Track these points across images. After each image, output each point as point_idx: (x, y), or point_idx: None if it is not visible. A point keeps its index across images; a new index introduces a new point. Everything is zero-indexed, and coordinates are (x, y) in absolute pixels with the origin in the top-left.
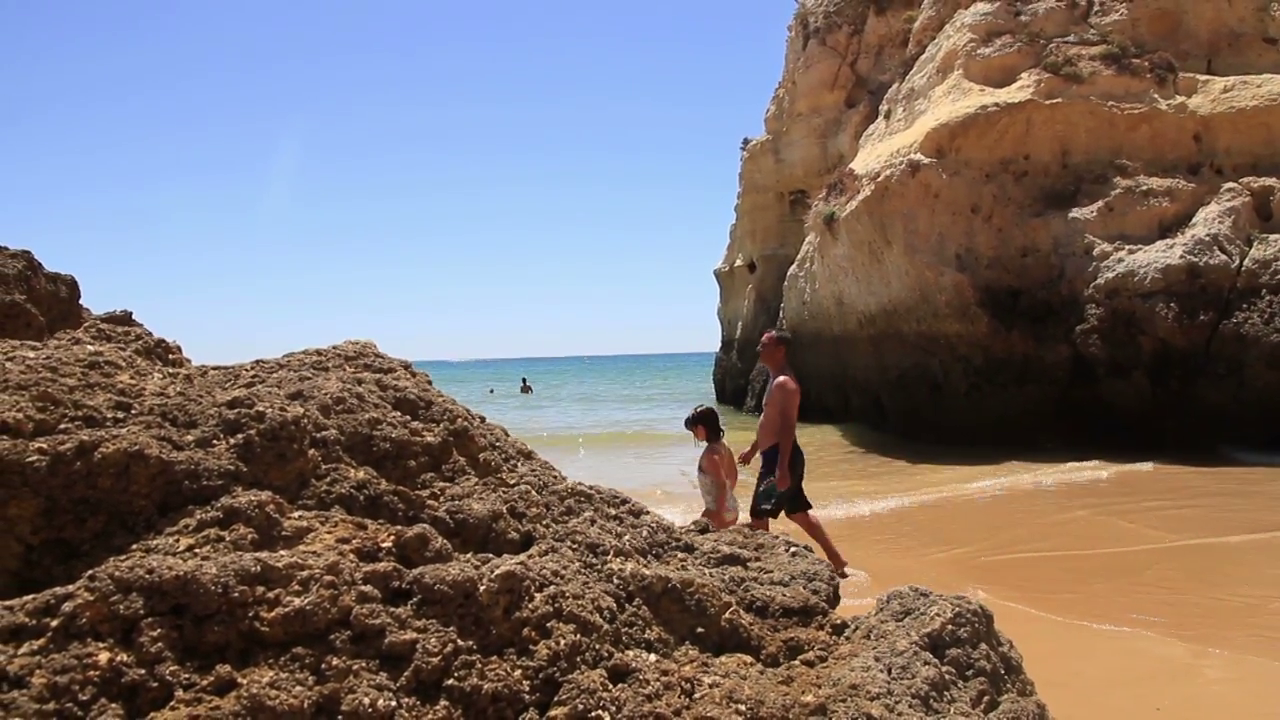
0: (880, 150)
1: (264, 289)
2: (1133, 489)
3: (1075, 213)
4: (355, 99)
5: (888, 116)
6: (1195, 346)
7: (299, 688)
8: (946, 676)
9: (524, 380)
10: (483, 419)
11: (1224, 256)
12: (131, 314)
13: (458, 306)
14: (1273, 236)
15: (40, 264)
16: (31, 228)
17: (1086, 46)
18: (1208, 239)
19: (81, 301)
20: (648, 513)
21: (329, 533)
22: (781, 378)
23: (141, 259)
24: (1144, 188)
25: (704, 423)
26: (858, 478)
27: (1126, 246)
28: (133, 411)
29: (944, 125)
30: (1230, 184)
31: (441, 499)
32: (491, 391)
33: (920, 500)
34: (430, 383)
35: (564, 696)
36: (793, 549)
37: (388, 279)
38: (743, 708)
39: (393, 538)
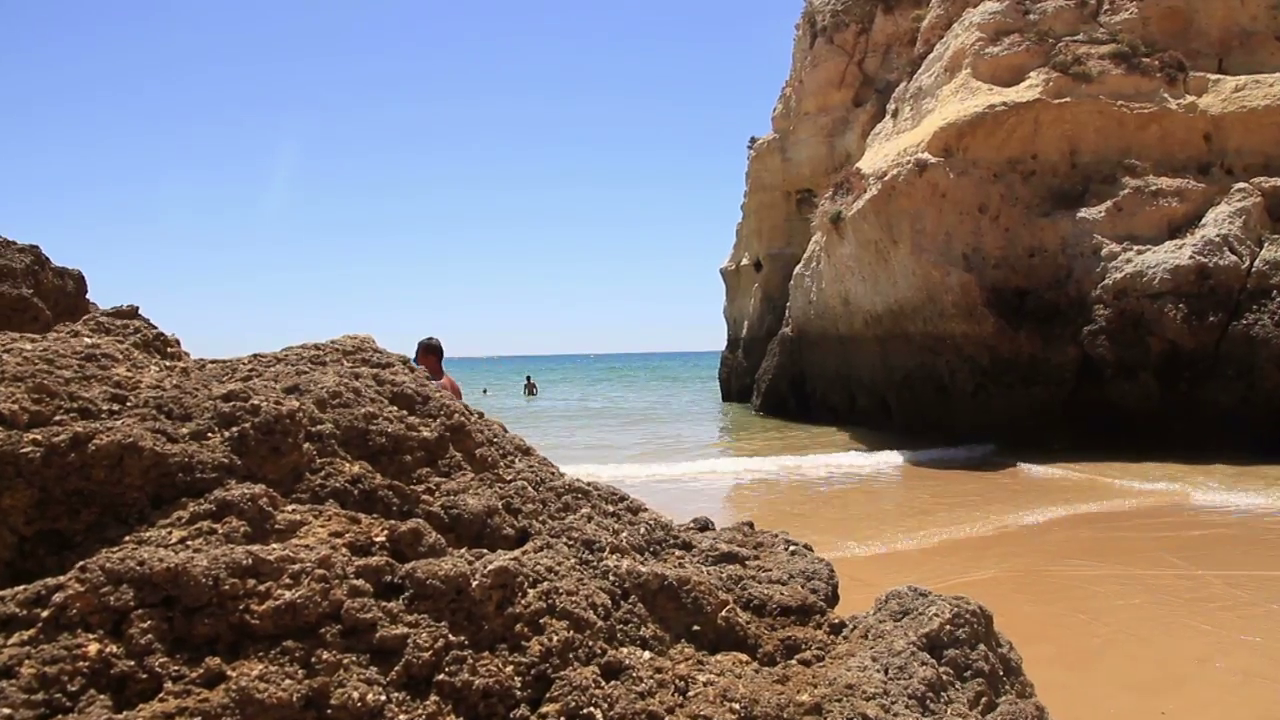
0: (887, 149)
1: (263, 284)
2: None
3: (1083, 213)
4: (356, 95)
5: (895, 115)
6: (1204, 348)
7: (288, 681)
8: (944, 677)
9: (529, 379)
10: (480, 415)
11: (1234, 257)
12: (138, 309)
13: (460, 304)
14: None
15: (48, 258)
16: (37, 222)
17: (1096, 45)
18: (1218, 239)
19: (88, 296)
20: (646, 509)
21: (322, 526)
22: (437, 380)
23: (144, 253)
24: (1153, 188)
25: None
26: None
27: (1135, 247)
28: (128, 404)
29: (951, 124)
30: (1241, 184)
31: (437, 494)
32: (485, 392)
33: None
34: (429, 378)
35: (556, 693)
36: (792, 548)
37: (389, 276)
38: (736, 706)
39: (386, 532)
